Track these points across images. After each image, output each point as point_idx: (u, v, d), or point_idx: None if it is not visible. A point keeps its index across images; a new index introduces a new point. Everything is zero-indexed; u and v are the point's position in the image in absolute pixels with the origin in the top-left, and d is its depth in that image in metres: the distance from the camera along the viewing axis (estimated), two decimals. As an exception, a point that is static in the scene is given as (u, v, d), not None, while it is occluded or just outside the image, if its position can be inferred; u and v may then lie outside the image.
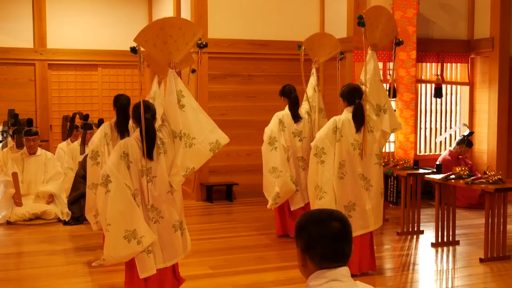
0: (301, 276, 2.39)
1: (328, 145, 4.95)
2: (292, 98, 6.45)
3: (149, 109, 4.35)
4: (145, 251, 4.25)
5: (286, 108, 6.47)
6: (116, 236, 4.15)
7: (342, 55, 6.66)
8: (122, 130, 5.56)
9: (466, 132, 8.58)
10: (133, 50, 4.30)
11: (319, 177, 4.93)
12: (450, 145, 9.16)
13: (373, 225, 5.13)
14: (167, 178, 4.30)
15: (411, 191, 6.73)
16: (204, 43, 4.59)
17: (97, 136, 5.58)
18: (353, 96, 5.06)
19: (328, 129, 4.99)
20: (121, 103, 5.56)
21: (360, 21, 5.16)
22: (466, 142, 8.36)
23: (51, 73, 10.35)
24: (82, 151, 7.72)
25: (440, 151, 9.18)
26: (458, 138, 8.55)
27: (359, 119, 5.02)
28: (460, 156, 8.44)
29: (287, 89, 6.53)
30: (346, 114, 5.05)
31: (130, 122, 5.71)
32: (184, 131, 4.29)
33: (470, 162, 8.58)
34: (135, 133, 4.33)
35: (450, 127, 9.23)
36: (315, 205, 4.94)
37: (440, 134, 9.17)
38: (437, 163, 8.42)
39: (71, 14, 10.33)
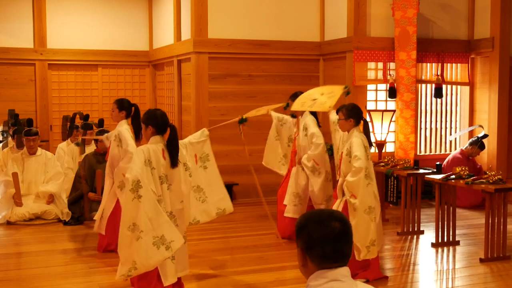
0: (301, 276, 2.39)
1: (370, 165, 5.01)
2: None
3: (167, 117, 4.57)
4: (170, 257, 4.27)
5: (309, 114, 6.39)
6: (147, 243, 4.11)
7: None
8: (138, 132, 5.66)
9: (481, 133, 8.52)
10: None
11: (371, 198, 4.92)
12: (457, 146, 9.18)
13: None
14: (180, 188, 4.51)
15: (411, 191, 6.73)
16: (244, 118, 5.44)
17: (131, 137, 5.64)
18: (361, 113, 5.15)
19: (364, 148, 4.99)
20: (133, 105, 5.85)
21: (349, 91, 5.92)
22: (479, 144, 8.33)
23: (51, 73, 10.34)
24: (82, 151, 7.72)
25: (441, 151, 9.18)
26: (472, 138, 8.51)
27: (369, 135, 5.15)
28: (470, 157, 8.42)
29: None
30: (361, 132, 5.10)
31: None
32: (202, 187, 4.83)
33: (479, 164, 8.55)
34: (154, 139, 4.39)
35: (452, 128, 9.23)
36: (372, 227, 4.91)
37: (448, 134, 9.16)
38: (437, 163, 8.43)
39: (71, 14, 10.32)
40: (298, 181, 6.32)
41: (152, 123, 4.42)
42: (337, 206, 5.06)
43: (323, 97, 5.80)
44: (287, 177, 6.56)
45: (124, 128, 5.72)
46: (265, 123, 8.57)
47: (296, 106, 6.01)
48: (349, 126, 5.11)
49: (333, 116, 5.66)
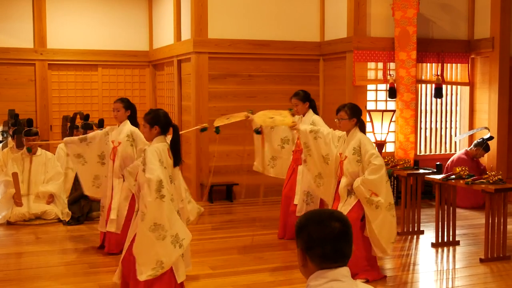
0: (301, 276, 2.39)
1: None
2: (314, 104, 6.47)
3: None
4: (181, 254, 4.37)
5: (313, 113, 6.40)
6: (169, 242, 4.21)
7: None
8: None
9: (487, 135, 8.50)
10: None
11: (391, 195, 5.07)
12: (457, 146, 9.18)
13: None
14: (181, 187, 4.76)
15: (411, 191, 6.73)
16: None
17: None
18: (361, 112, 5.22)
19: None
20: (132, 104, 6.00)
21: (293, 113, 6.11)
22: (484, 146, 8.32)
23: (51, 73, 10.35)
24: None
25: (441, 151, 9.18)
26: (477, 140, 8.49)
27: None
28: (474, 158, 8.40)
29: (308, 94, 6.45)
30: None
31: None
32: (186, 188, 5.09)
33: (483, 165, 8.54)
34: (159, 139, 4.43)
35: (452, 128, 9.23)
36: (394, 222, 5.07)
37: (449, 135, 9.16)
38: (437, 163, 8.43)
39: (71, 14, 10.32)
40: (307, 179, 6.28)
41: (159, 123, 4.46)
42: (341, 207, 5.03)
43: (278, 116, 5.86)
44: (291, 177, 6.53)
45: (135, 128, 5.78)
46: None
47: (258, 121, 6.05)
48: (351, 125, 5.11)
49: (307, 127, 5.63)
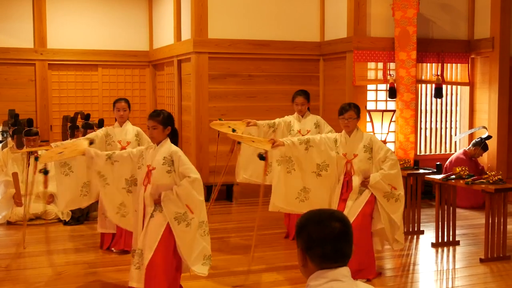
0: (301, 276, 2.39)
1: None
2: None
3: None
4: None
5: (309, 112, 6.43)
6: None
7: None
8: None
9: (485, 135, 8.49)
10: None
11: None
12: (457, 146, 9.18)
13: None
14: None
15: (411, 191, 6.73)
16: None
17: None
18: None
19: None
20: None
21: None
22: (483, 145, 8.31)
23: (51, 73, 10.35)
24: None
25: (441, 151, 9.18)
26: (475, 139, 8.49)
27: None
28: (473, 158, 8.40)
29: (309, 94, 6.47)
30: None
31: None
32: None
33: (482, 165, 8.53)
34: (168, 139, 4.44)
35: (452, 128, 9.23)
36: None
37: (449, 134, 9.16)
38: (437, 163, 8.44)
39: (71, 14, 10.33)
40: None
41: (171, 123, 4.48)
42: (351, 205, 5.03)
43: (256, 140, 5.48)
44: None
45: (138, 128, 5.94)
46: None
47: (243, 141, 5.63)
48: (355, 125, 5.19)
49: (294, 139, 5.27)
